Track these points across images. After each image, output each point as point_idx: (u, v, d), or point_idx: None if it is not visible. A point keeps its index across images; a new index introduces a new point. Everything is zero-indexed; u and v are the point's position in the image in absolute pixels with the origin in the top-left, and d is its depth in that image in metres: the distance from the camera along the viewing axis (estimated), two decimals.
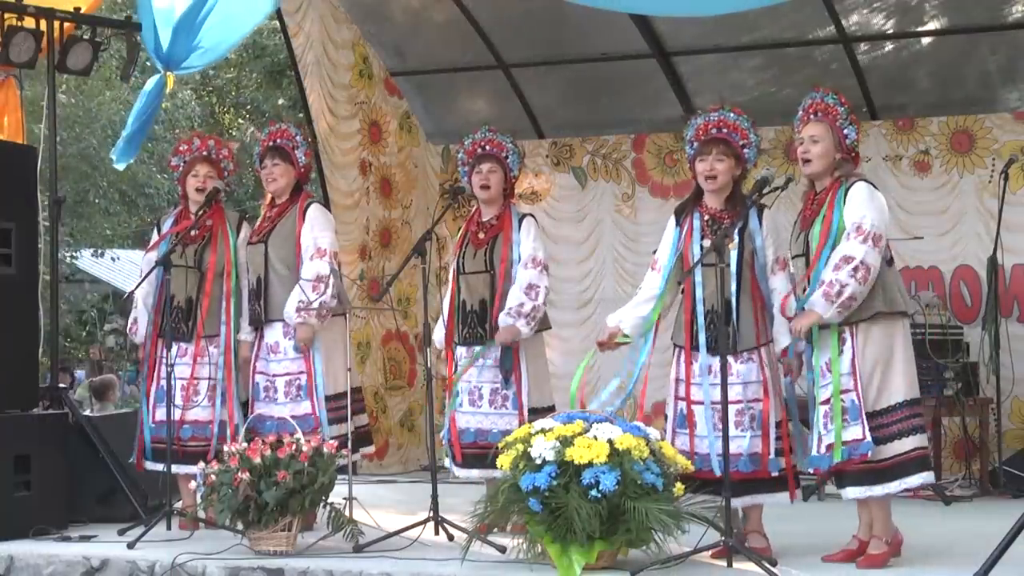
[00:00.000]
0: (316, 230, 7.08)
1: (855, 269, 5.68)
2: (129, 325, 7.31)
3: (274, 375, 7.12)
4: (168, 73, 7.74)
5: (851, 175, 5.94)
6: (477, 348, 6.88)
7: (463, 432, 6.95)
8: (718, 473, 5.86)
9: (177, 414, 7.04)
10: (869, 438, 5.72)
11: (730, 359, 5.95)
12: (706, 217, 6.17)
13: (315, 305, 6.91)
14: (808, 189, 6.09)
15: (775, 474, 6.00)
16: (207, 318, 7.14)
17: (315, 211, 7.15)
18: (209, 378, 7.14)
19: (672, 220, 6.33)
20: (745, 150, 6.20)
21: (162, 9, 7.84)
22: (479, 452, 6.82)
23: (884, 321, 5.81)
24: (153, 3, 7.82)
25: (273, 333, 7.13)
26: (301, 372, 7.07)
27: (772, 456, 5.98)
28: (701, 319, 6.01)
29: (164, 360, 6.98)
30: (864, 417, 5.75)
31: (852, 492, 5.83)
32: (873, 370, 5.78)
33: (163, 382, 7.01)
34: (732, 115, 6.21)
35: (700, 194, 6.27)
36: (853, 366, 5.78)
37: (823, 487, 8.07)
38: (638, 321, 6.22)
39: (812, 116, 6.03)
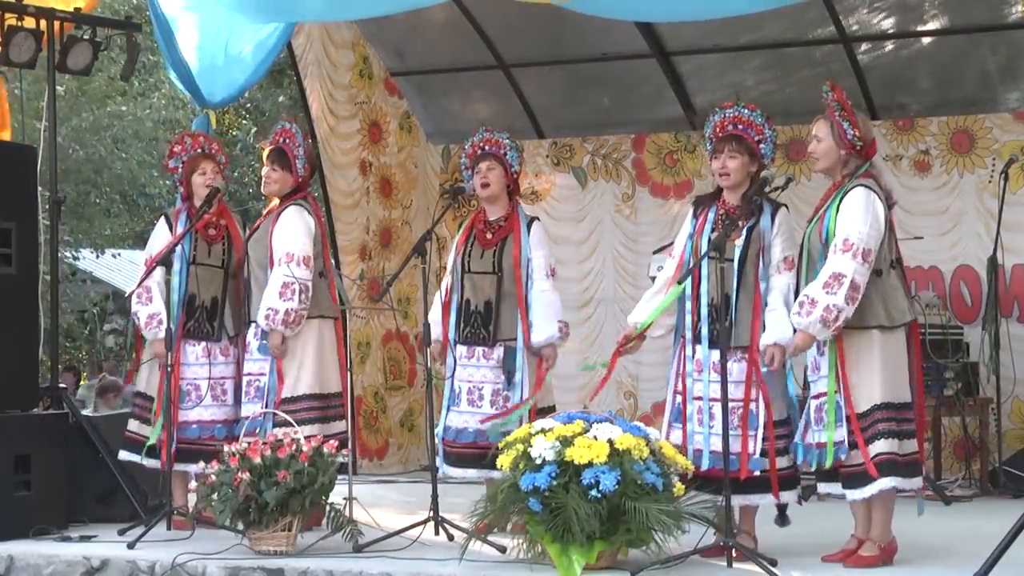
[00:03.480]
0: (285, 234, 6.96)
1: (850, 290, 5.66)
2: (145, 320, 7.08)
3: (248, 374, 7.11)
4: (209, 110, 8.06)
5: (860, 175, 5.91)
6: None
7: (461, 432, 6.94)
8: (703, 468, 5.90)
9: (208, 414, 7.09)
10: (846, 442, 5.74)
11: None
12: (721, 211, 6.16)
13: (280, 313, 6.87)
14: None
15: (757, 473, 5.99)
16: (235, 317, 7.19)
17: (289, 214, 7.02)
18: (234, 377, 7.19)
19: (690, 210, 6.33)
20: (760, 146, 6.17)
21: (190, 51, 8.25)
22: (478, 452, 6.82)
23: (879, 332, 5.80)
24: (179, 48, 8.06)
25: (249, 334, 7.14)
26: (262, 374, 7.04)
27: (758, 456, 5.98)
28: (705, 312, 6.02)
29: (167, 361, 6.95)
30: (845, 420, 5.76)
31: (847, 494, 5.84)
32: (853, 376, 5.77)
33: (183, 383, 7.05)
34: (746, 111, 6.19)
35: (720, 189, 6.26)
36: (839, 369, 5.78)
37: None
38: (645, 315, 6.22)
39: (822, 114, 6.02)
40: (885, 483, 5.73)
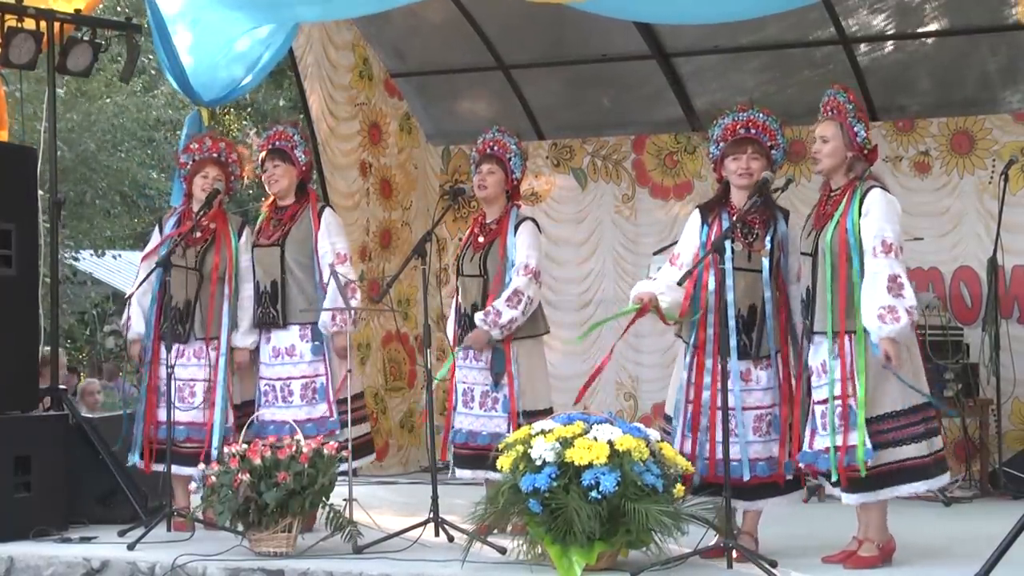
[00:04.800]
0: (333, 235, 7.15)
1: (910, 286, 5.68)
2: (123, 322, 7.34)
3: (289, 378, 7.13)
4: (201, 107, 8.05)
5: (866, 178, 5.90)
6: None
7: (456, 432, 6.96)
8: (746, 478, 5.92)
9: (175, 415, 7.06)
10: (870, 445, 5.71)
11: (751, 366, 5.99)
12: (736, 220, 6.11)
13: (353, 312, 6.95)
14: (823, 184, 6.06)
15: (789, 478, 6.01)
16: (207, 320, 7.15)
17: (330, 216, 7.23)
18: (206, 380, 7.15)
19: (696, 217, 6.26)
20: (773, 151, 6.18)
21: (185, 48, 8.17)
22: (470, 453, 6.85)
23: None
24: (175, 43, 8.05)
25: (288, 336, 7.14)
26: (318, 375, 7.09)
27: (787, 460, 6.00)
28: (733, 323, 5.97)
29: (165, 362, 6.98)
30: (865, 424, 5.73)
31: (849, 498, 5.82)
32: (870, 379, 5.75)
33: (161, 382, 7.04)
34: (761, 116, 6.18)
35: (726, 194, 6.23)
36: (850, 372, 5.76)
37: (823, 489, 8.07)
38: (673, 304, 6.08)
39: (826, 114, 6.00)
40: (915, 487, 5.77)
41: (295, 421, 6.87)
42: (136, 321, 7.27)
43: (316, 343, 7.08)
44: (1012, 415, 9.02)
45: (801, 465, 6.00)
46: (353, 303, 6.96)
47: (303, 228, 7.16)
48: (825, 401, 5.82)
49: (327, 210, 7.27)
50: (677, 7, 7.76)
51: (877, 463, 5.74)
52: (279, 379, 7.15)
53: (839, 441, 5.75)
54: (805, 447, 5.95)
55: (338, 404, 7.06)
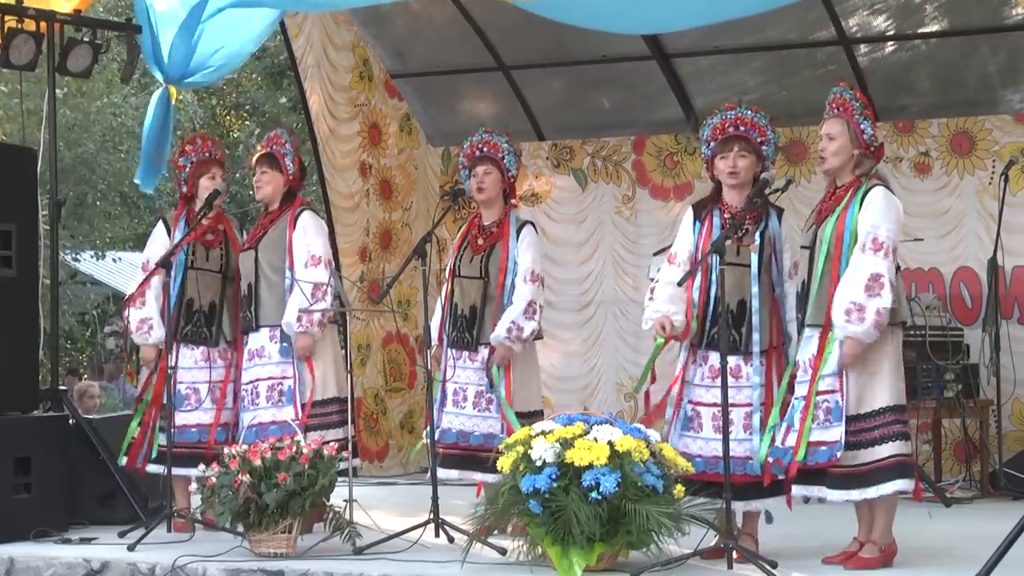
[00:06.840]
0: (309, 237, 7.04)
1: (891, 289, 5.65)
2: (136, 325, 7.20)
3: (257, 380, 7.09)
4: (171, 86, 7.87)
5: (871, 176, 5.90)
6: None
7: (445, 432, 6.93)
8: (696, 470, 5.90)
9: (207, 417, 7.11)
10: (842, 442, 5.70)
11: (741, 362, 5.97)
12: (726, 215, 6.13)
13: (317, 313, 6.91)
14: (829, 182, 6.06)
15: (780, 477, 6.00)
16: (233, 322, 7.21)
17: (306, 218, 7.10)
18: (233, 380, 7.19)
19: (690, 215, 6.28)
20: (764, 147, 6.18)
21: (164, 19, 7.95)
22: (460, 454, 6.83)
23: (891, 330, 5.78)
24: (155, 19, 7.90)
25: (259, 338, 7.11)
26: (285, 377, 7.03)
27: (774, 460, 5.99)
28: (709, 317, 5.99)
29: (174, 363, 6.98)
30: (845, 420, 5.74)
31: (833, 495, 5.79)
32: (859, 375, 5.75)
33: (182, 386, 7.06)
34: (749, 112, 6.19)
35: (719, 192, 6.24)
36: (839, 368, 5.77)
37: None
38: (682, 313, 6.11)
39: (831, 112, 5.99)
40: (900, 484, 5.72)
41: (259, 424, 6.86)
42: (157, 327, 7.16)
43: (284, 344, 7.01)
44: (1012, 416, 9.02)
45: (770, 460, 5.95)
46: (321, 306, 6.90)
47: (278, 231, 7.11)
48: (806, 396, 5.80)
49: (305, 213, 7.12)
50: (632, 14, 7.57)
51: (864, 460, 5.73)
52: (250, 381, 7.11)
53: (824, 436, 5.74)
54: (778, 442, 5.92)
55: (304, 408, 6.97)
